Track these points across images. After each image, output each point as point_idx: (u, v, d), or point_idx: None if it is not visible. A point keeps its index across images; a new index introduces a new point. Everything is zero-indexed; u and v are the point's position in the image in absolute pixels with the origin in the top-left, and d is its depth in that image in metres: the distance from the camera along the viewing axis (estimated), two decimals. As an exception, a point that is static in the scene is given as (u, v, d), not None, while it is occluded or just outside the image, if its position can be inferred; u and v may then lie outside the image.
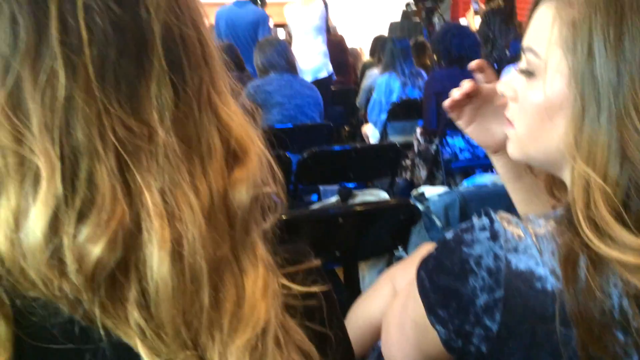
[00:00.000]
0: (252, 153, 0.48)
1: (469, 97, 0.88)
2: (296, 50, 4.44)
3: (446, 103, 0.89)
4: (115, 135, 0.42)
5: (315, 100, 3.08)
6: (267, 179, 0.49)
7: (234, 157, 0.47)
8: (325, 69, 4.65)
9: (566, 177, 0.68)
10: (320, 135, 2.99)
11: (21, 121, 0.40)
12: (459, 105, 0.89)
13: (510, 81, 0.72)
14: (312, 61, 4.56)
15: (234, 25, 4.34)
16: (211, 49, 0.49)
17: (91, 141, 0.41)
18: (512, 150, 0.74)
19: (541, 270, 0.58)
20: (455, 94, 0.88)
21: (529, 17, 0.69)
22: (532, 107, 0.66)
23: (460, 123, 0.91)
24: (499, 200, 1.67)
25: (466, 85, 0.87)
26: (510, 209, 1.11)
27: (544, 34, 0.63)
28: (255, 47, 3.11)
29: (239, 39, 4.26)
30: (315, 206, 1.62)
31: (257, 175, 0.48)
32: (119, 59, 0.42)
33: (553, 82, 0.62)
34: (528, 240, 0.60)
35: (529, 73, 0.66)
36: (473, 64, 0.90)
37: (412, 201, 1.57)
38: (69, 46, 0.41)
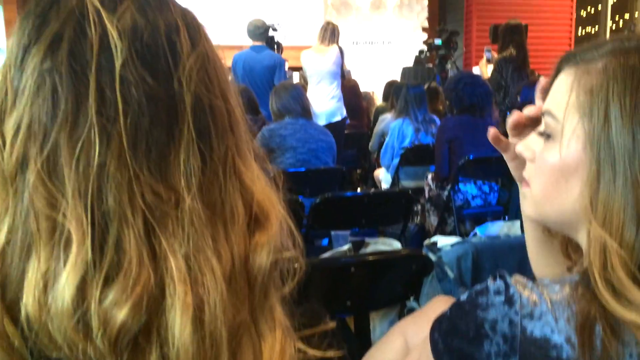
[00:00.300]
0: (273, 217, 0.49)
1: (533, 121, 0.81)
2: (311, 94, 4.51)
3: (511, 119, 0.82)
4: (144, 201, 0.43)
5: (329, 144, 3.11)
6: (287, 243, 0.50)
7: (255, 221, 0.49)
8: (339, 113, 4.70)
9: (582, 238, 0.68)
10: (332, 180, 3.02)
11: (56, 186, 0.42)
12: (520, 125, 0.82)
13: (528, 142, 0.74)
14: (326, 105, 4.61)
15: (251, 69, 4.43)
16: (237, 117, 0.51)
17: (121, 207, 0.42)
18: (528, 209, 0.75)
19: (557, 338, 0.58)
20: (525, 111, 0.81)
21: (551, 82, 0.71)
22: (548, 168, 0.68)
23: (506, 155, 0.85)
24: (512, 252, 1.67)
25: (533, 109, 0.81)
26: (523, 262, 1.11)
27: (563, 99, 0.65)
28: (271, 92, 3.17)
29: (255, 82, 4.34)
30: (327, 254, 1.62)
31: (277, 239, 0.49)
32: (151, 128, 0.44)
33: (569, 144, 0.64)
34: (543, 307, 0.60)
35: (547, 135, 0.68)
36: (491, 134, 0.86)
37: (424, 251, 1.57)
38: (105, 116, 0.43)
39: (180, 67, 0.46)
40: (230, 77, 0.53)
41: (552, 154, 0.67)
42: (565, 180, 0.65)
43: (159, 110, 0.44)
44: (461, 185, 3.43)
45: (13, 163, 0.42)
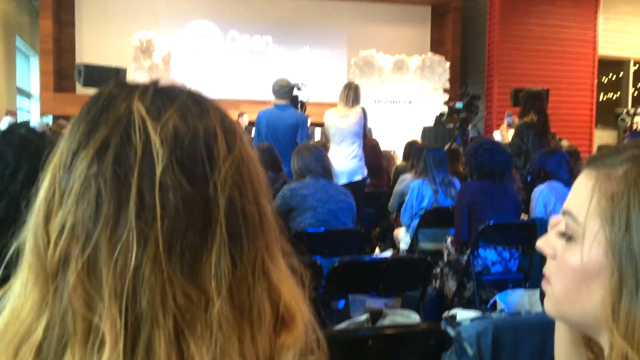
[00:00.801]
0: (299, 318, 0.50)
1: None
2: (333, 153, 4.57)
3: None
4: (176, 303, 0.45)
5: (349, 205, 3.13)
6: (312, 346, 0.51)
7: (281, 321, 0.50)
8: (360, 172, 4.72)
9: (603, 341, 0.68)
10: (351, 241, 3.02)
11: (94, 287, 0.44)
12: None
13: (549, 239, 0.74)
14: (348, 164, 4.63)
15: (274, 127, 4.51)
16: (268, 219, 0.52)
17: (153, 309, 0.44)
18: (549, 307, 0.75)
19: None
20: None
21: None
22: (569, 269, 0.68)
23: None
24: (533, 332, 1.64)
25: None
26: (544, 343, 1.09)
27: (584, 202, 0.66)
28: (294, 152, 3.22)
29: (278, 140, 4.42)
30: (344, 324, 1.61)
31: (302, 341, 0.49)
32: (186, 232, 0.46)
33: (591, 250, 0.64)
34: None
35: (567, 236, 0.69)
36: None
37: (443, 325, 1.55)
38: (143, 220, 0.45)
39: (216, 171, 0.48)
40: (261, 174, 0.55)
41: (574, 256, 0.67)
42: (586, 285, 0.65)
43: (194, 215, 0.46)
44: (481, 251, 3.40)
45: (55, 262, 0.45)
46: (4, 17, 13.91)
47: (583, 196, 0.67)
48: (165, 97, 0.50)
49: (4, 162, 1.64)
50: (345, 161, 4.63)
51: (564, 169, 3.57)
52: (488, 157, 3.27)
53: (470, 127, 5.60)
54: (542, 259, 0.78)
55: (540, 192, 3.58)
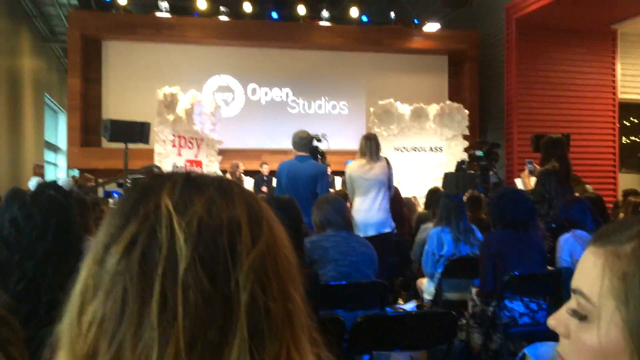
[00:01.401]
0: None
1: None
2: (360, 204, 4.56)
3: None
4: None
5: (370, 257, 3.10)
6: None
7: None
8: (389, 225, 4.67)
9: None
10: (374, 293, 2.98)
11: None
12: None
13: (561, 317, 0.71)
14: (376, 215, 4.59)
15: (294, 179, 4.55)
16: (297, 311, 0.51)
17: None
18: None
19: None
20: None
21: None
22: (587, 351, 0.65)
23: None
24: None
25: None
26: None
27: (595, 282, 0.65)
28: (314, 205, 3.23)
29: (298, 191, 4.44)
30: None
31: None
32: (207, 330, 0.46)
33: (609, 331, 0.63)
34: None
35: (581, 316, 0.67)
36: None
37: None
38: (165, 319, 0.46)
39: (238, 267, 0.48)
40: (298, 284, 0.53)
41: (590, 337, 0.65)
42: None
43: (215, 312, 0.47)
44: (507, 302, 3.33)
45: (84, 354, 0.46)
46: (34, 75, 14.49)
47: (594, 276, 0.65)
48: (193, 190, 0.51)
49: (33, 224, 1.68)
50: (373, 212, 4.58)
51: (589, 217, 3.51)
52: (511, 206, 3.25)
53: (491, 173, 5.58)
54: None
55: (566, 241, 3.52)
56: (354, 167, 4.71)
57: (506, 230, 3.29)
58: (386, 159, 4.83)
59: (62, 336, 0.49)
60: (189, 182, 0.53)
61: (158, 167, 8.19)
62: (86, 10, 12.86)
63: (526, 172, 4.96)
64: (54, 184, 1.95)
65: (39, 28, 15.00)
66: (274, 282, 0.50)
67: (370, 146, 4.65)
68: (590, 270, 0.66)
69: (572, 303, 0.69)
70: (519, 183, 5.53)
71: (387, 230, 4.63)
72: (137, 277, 0.47)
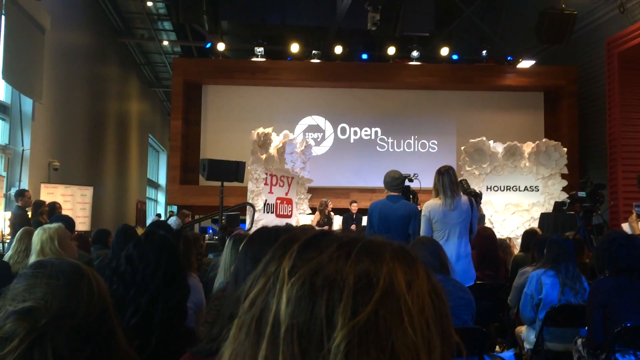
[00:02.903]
0: None
1: None
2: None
3: None
4: None
5: (468, 302, 2.99)
6: None
7: None
8: (472, 276, 4.32)
9: None
10: (472, 340, 2.86)
11: None
12: None
13: None
14: (459, 265, 4.17)
15: (386, 218, 4.51)
16: None
17: None
18: None
19: None
20: None
21: None
22: None
23: None
24: None
25: None
26: None
27: None
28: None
29: (390, 231, 4.39)
30: None
31: None
32: None
33: None
34: None
35: None
36: None
37: None
38: None
39: (331, 340, 0.45)
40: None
41: None
42: None
43: None
44: (619, 356, 3.08)
45: None
46: (139, 117, 15.62)
47: None
48: (312, 250, 0.49)
49: (146, 262, 1.79)
50: (455, 261, 4.10)
51: None
52: (624, 253, 3.04)
53: (594, 216, 5.26)
54: None
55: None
56: (431, 206, 4.25)
57: (618, 278, 3.07)
58: (469, 197, 4.38)
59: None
60: (309, 243, 0.50)
61: (251, 205, 8.46)
62: (188, 58, 13.80)
63: (634, 215, 4.63)
64: (164, 223, 2.07)
65: (146, 74, 16.23)
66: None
67: (451, 180, 4.19)
68: None
69: None
70: (626, 227, 5.16)
71: (471, 283, 4.26)
72: (251, 332, 0.48)
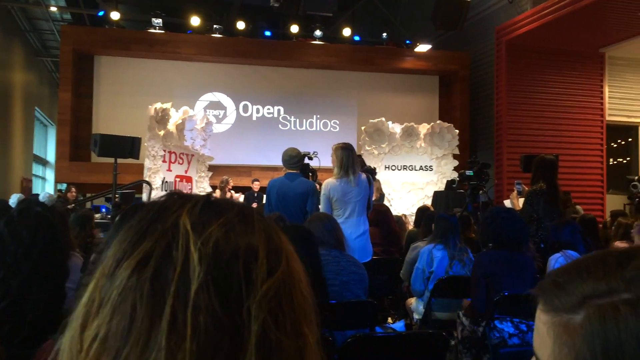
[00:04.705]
0: None
1: None
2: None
3: None
4: None
5: (361, 277, 3.08)
6: None
7: None
8: (370, 252, 4.43)
9: None
10: (364, 313, 2.96)
11: None
12: None
13: None
14: (358, 242, 4.28)
15: (284, 196, 4.51)
16: (310, 352, 0.49)
17: None
18: None
19: None
20: None
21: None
22: None
23: None
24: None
25: None
26: None
27: (550, 356, 0.57)
28: (305, 223, 3.21)
29: (288, 208, 4.40)
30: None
31: None
32: (214, 357, 0.44)
33: None
34: None
35: None
36: None
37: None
38: (173, 340, 0.44)
39: (251, 295, 0.47)
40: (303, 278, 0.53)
41: None
42: None
43: (224, 340, 0.45)
44: (497, 323, 3.31)
45: None
46: (25, 88, 14.44)
47: (549, 346, 0.58)
48: (212, 212, 0.50)
49: (18, 241, 1.65)
50: (354, 238, 4.22)
51: (579, 239, 3.53)
52: (505, 225, 3.24)
53: (480, 193, 5.61)
54: None
55: (557, 261, 3.52)
56: (331, 184, 4.27)
57: (500, 251, 3.28)
58: (367, 175, 4.43)
59: (61, 351, 0.47)
60: (209, 205, 0.52)
61: (148, 182, 8.15)
62: (79, 26, 12.88)
63: (515, 193, 4.99)
64: (37, 200, 1.93)
65: (31, 42, 14.99)
66: (288, 317, 0.48)
67: (349, 157, 4.20)
68: (545, 339, 0.58)
69: None
70: (507, 204, 5.56)
71: (368, 259, 4.39)
72: (147, 294, 0.45)
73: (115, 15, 11.51)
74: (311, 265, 2.46)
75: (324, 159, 5.55)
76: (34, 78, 15.58)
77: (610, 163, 11.33)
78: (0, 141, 12.38)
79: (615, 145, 11.66)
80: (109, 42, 11.20)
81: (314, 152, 5.39)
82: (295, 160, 4.59)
